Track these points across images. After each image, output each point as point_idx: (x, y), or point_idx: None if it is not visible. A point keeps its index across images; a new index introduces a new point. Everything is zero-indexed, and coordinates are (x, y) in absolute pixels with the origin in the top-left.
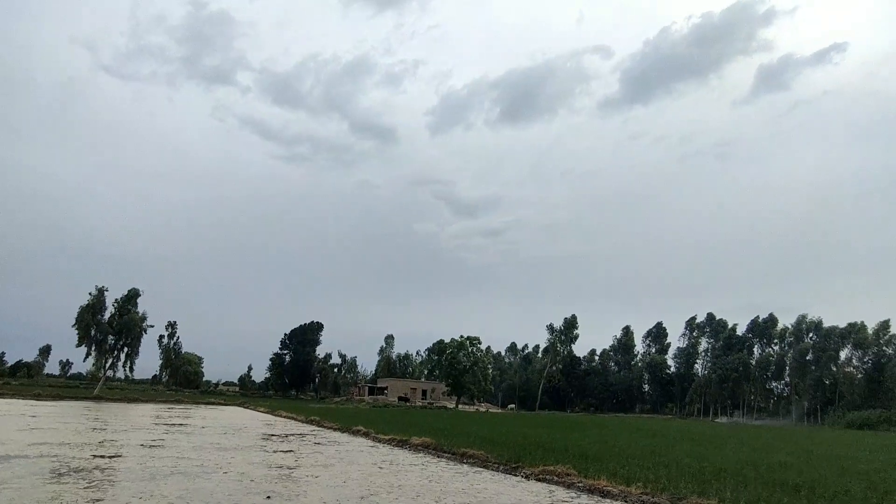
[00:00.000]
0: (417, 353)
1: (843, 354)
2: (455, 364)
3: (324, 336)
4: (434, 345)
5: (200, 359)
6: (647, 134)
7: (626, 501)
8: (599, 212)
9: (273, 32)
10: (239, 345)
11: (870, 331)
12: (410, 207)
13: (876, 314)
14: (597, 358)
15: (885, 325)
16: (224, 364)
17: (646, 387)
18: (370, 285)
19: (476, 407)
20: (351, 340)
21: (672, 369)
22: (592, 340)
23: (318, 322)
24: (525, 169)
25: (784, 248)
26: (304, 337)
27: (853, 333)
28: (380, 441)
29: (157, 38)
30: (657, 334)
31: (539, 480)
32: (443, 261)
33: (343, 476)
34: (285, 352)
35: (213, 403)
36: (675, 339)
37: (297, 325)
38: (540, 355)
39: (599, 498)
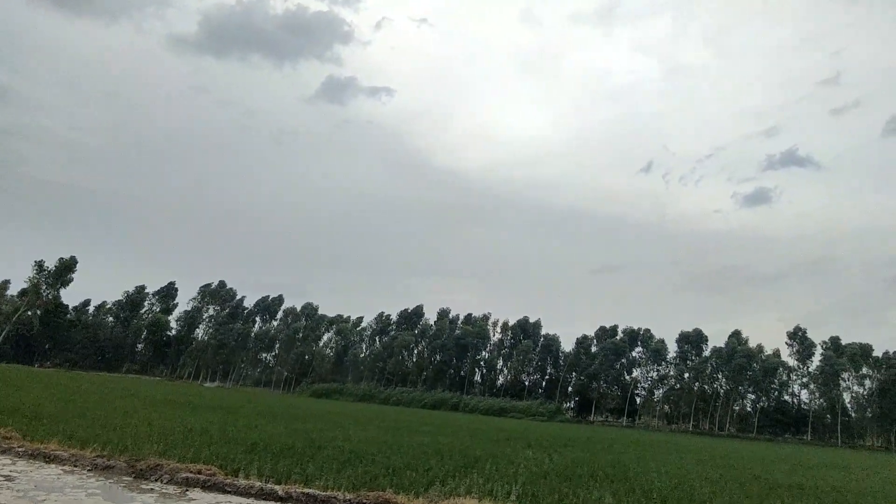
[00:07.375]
0: None
1: (326, 336)
2: None
3: None
4: None
5: None
6: (214, 92)
7: (75, 465)
8: (142, 152)
9: None
10: None
11: (365, 324)
12: None
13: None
14: (90, 309)
15: (359, 320)
16: None
17: (140, 346)
18: None
19: None
20: None
21: (174, 331)
22: (95, 290)
23: None
24: (57, 67)
25: (314, 238)
26: None
27: (338, 322)
28: None
29: None
30: (167, 294)
31: None
32: None
33: None
34: None
35: None
36: (185, 302)
37: None
38: (14, 295)
39: (43, 463)
